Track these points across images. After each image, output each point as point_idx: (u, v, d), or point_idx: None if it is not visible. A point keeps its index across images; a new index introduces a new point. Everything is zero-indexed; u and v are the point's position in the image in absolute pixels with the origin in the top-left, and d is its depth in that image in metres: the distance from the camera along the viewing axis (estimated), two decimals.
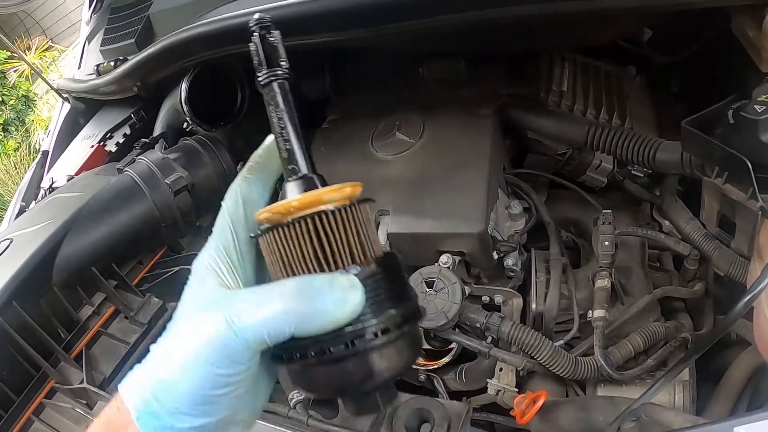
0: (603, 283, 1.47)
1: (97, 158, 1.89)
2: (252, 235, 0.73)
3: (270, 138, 0.78)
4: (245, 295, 0.67)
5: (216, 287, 0.70)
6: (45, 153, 2.22)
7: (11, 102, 8.49)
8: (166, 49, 1.60)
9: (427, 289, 1.42)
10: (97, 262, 1.46)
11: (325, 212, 0.67)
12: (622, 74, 1.86)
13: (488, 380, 1.49)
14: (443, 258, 1.49)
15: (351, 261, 0.67)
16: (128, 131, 1.93)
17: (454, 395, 1.59)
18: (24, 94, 9.17)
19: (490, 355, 1.44)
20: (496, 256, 1.51)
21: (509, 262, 1.52)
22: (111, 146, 1.92)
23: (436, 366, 1.57)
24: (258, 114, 1.89)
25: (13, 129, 8.70)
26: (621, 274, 1.55)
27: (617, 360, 1.41)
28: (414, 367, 1.58)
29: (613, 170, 1.67)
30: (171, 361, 0.66)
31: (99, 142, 1.93)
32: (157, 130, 1.79)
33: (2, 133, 8.23)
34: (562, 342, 1.46)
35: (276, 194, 0.78)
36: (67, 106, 2.17)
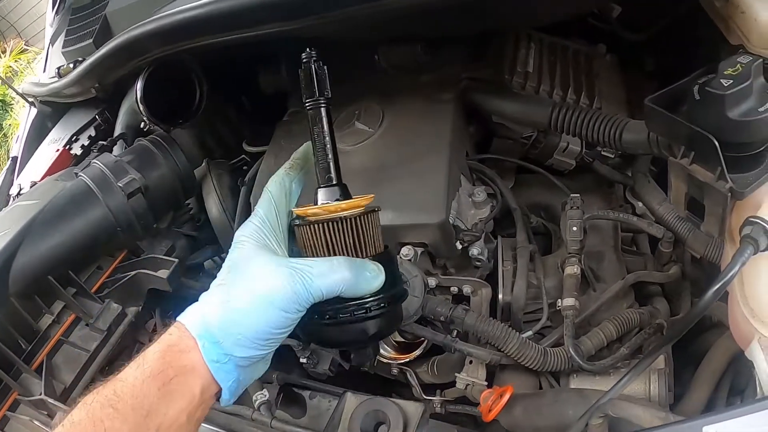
0: (572, 270, 1.38)
1: (63, 162, 1.82)
2: (297, 222, 0.97)
3: (307, 145, 1.04)
4: (313, 263, 0.87)
5: (277, 255, 0.90)
6: (14, 159, 2.16)
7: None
8: (120, 47, 1.52)
9: None
10: (54, 270, 1.39)
11: (364, 215, 0.95)
12: (591, 53, 1.76)
13: (456, 374, 1.41)
14: (404, 250, 1.41)
15: (374, 251, 0.97)
16: (93, 133, 1.86)
17: (428, 388, 1.51)
18: (0, 98, 8.99)
19: (456, 349, 1.35)
20: (459, 246, 1.42)
21: (474, 251, 1.44)
22: (77, 149, 1.85)
23: (407, 359, 1.49)
24: (221, 111, 1.81)
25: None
26: (593, 259, 1.46)
27: (588, 349, 1.33)
28: (386, 361, 1.51)
29: (581, 152, 1.58)
30: (242, 300, 0.84)
31: (65, 145, 1.86)
32: (117, 131, 1.72)
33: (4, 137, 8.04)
34: (531, 333, 1.37)
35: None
36: (34, 110, 2.10)
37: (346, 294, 0.88)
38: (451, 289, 1.46)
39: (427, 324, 1.40)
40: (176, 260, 1.45)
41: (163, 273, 1.42)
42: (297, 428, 1.32)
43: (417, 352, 1.48)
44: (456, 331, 1.37)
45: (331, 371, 1.52)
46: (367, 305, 0.92)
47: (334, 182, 0.98)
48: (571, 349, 1.29)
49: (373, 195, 0.98)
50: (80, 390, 1.37)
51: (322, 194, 0.98)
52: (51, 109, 2.02)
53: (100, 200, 1.41)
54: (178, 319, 0.86)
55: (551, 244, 1.56)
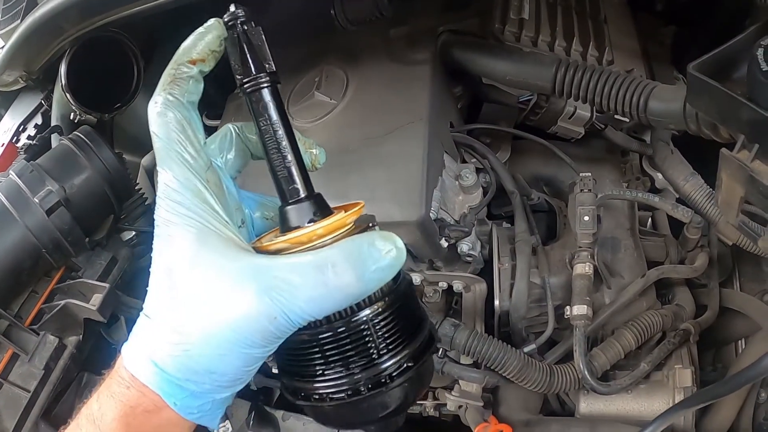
0: (583, 268, 1.06)
1: (9, 157, 1.47)
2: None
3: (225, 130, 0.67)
4: (293, 265, 0.55)
5: (233, 249, 0.57)
6: None
7: None
8: (35, 27, 1.16)
9: None
10: None
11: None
12: None
13: (447, 394, 1.09)
14: None
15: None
16: (40, 120, 1.49)
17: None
18: None
19: (444, 372, 1.02)
20: (445, 244, 1.06)
21: (464, 248, 1.09)
22: (24, 140, 1.50)
23: None
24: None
25: None
26: (606, 248, 1.13)
27: (603, 365, 1.04)
28: None
29: (591, 118, 1.18)
30: (199, 346, 0.57)
31: (12, 137, 1.51)
32: (52, 123, 1.34)
33: None
34: (534, 347, 1.04)
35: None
36: None
37: (343, 307, 0.57)
38: (440, 284, 1.12)
39: None
40: (107, 285, 1.13)
41: (96, 300, 1.11)
42: None
43: None
44: (442, 350, 1.03)
45: None
46: (384, 373, 0.58)
47: (302, 195, 0.60)
48: (584, 368, 0.99)
49: (362, 203, 0.61)
50: None
51: (288, 216, 0.61)
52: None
53: (17, 220, 1.09)
54: (126, 366, 0.59)
55: (555, 223, 1.19)
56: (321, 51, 1.24)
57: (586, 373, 0.99)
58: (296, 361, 0.62)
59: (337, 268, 0.54)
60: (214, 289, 0.56)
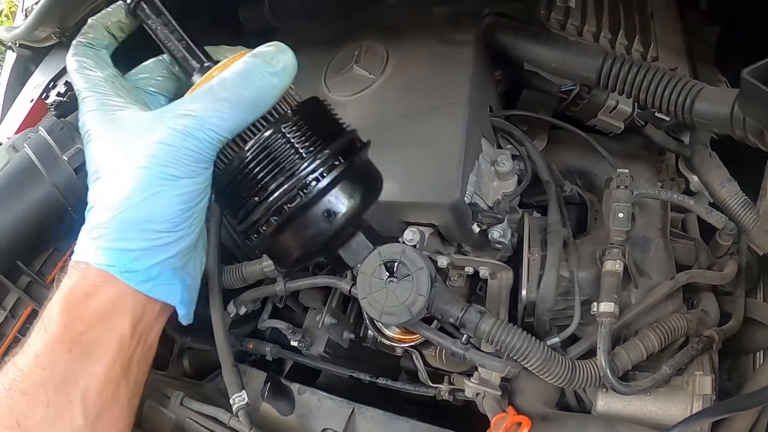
0: (613, 266, 1.04)
1: (38, 114, 1.47)
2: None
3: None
4: (189, 98, 0.63)
5: (138, 112, 0.65)
6: None
7: None
8: None
9: (387, 276, 0.99)
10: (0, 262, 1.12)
11: None
12: None
13: (466, 381, 1.10)
14: (408, 234, 1.06)
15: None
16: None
17: (435, 373, 1.24)
18: None
19: (467, 359, 1.03)
20: (477, 229, 1.06)
21: (495, 234, 1.08)
22: (54, 97, 1.47)
23: (413, 342, 1.19)
24: None
25: None
26: (636, 247, 1.12)
27: (625, 364, 1.03)
28: (389, 342, 1.20)
29: (632, 114, 1.17)
30: (129, 197, 0.61)
31: (41, 94, 1.49)
32: None
33: None
34: (557, 340, 1.05)
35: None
36: (13, 55, 1.69)
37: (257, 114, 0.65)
38: (466, 269, 1.12)
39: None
40: None
41: None
42: None
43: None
44: (466, 336, 1.04)
45: (327, 353, 1.25)
46: (310, 177, 0.66)
47: (205, 63, 0.72)
48: (606, 367, 0.98)
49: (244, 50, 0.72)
50: None
51: (193, 81, 0.71)
52: (31, 53, 1.61)
53: (45, 177, 1.10)
54: (72, 259, 0.65)
55: (585, 216, 1.20)
56: (361, 25, 1.22)
57: (608, 371, 0.98)
58: (234, 200, 0.68)
59: (227, 83, 0.62)
60: (131, 140, 0.62)
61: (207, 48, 0.75)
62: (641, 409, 1.05)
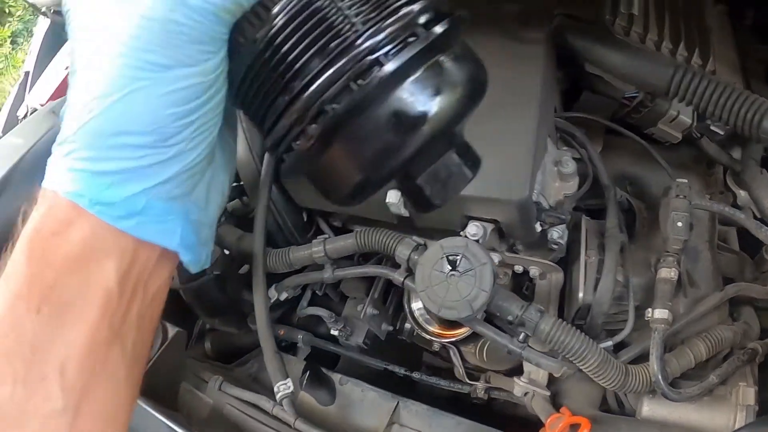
0: (669, 273, 1.06)
1: None
2: None
3: None
4: None
5: None
6: (27, 74, 1.69)
7: (18, 12, 6.82)
8: None
9: (449, 269, 0.98)
10: None
11: None
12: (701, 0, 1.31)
13: (516, 379, 1.11)
14: (471, 228, 1.05)
15: None
16: None
17: (473, 371, 1.24)
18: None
19: (524, 357, 1.03)
20: (539, 228, 1.06)
21: (554, 235, 1.08)
22: None
23: (454, 338, 1.18)
24: None
25: (22, 40, 7.28)
26: (687, 256, 1.13)
27: (674, 371, 1.04)
28: (429, 337, 1.19)
29: (691, 125, 1.19)
30: (108, 86, 0.42)
31: None
32: None
33: (11, 45, 6.72)
34: (611, 343, 1.06)
35: None
36: (47, 21, 1.61)
37: None
38: (515, 267, 1.12)
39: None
40: None
41: None
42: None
43: (466, 332, 1.17)
44: (524, 334, 1.04)
45: (366, 344, 1.24)
46: (376, 46, 0.43)
47: None
48: (658, 372, 1.00)
49: None
50: None
51: None
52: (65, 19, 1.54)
53: None
54: (42, 185, 0.48)
55: (633, 223, 1.21)
56: None
57: (659, 377, 0.99)
58: (259, 99, 0.48)
59: None
60: (111, 16, 0.44)
61: None
62: (686, 416, 1.07)
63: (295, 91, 0.45)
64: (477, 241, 1.04)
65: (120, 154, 0.44)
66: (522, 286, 1.18)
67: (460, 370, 1.20)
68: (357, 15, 0.43)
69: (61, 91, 1.35)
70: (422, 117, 0.45)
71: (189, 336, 1.37)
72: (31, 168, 0.99)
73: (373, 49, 0.43)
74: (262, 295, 1.11)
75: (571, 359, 1.01)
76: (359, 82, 0.43)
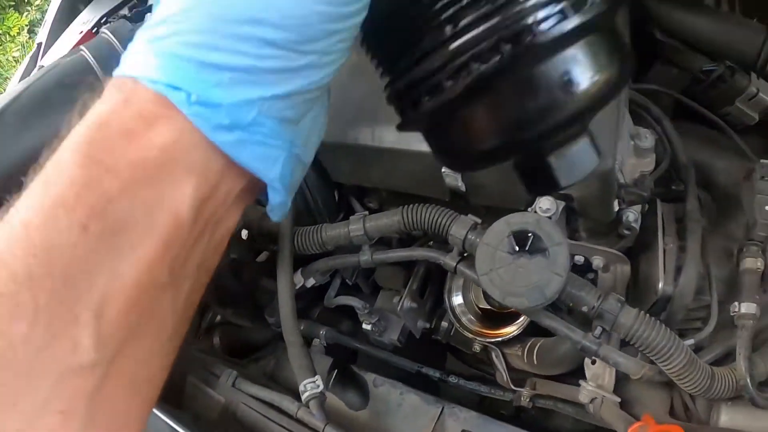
0: (754, 263, 0.95)
1: None
2: None
3: None
4: None
5: None
6: (39, 45, 1.61)
7: (36, 2, 6.81)
8: None
9: (517, 249, 0.85)
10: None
11: None
12: None
13: (581, 382, 0.98)
14: (545, 203, 0.92)
15: None
16: (128, 13, 1.32)
17: (518, 375, 1.08)
18: None
19: (599, 356, 0.90)
20: (616, 207, 0.93)
21: (630, 217, 0.96)
22: None
23: (499, 338, 1.05)
24: None
25: (39, 29, 7.24)
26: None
27: (761, 374, 0.91)
28: (470, 336, 1.06)
29: None
30: None
31: (92, 28, 1.33)
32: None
33: (28, 34, 6.64)
34: (693, 342, 0.93)
35: None
36: None
37: None
38: (576, 258, 0.99)
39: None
40: None
41: None
42: None
43: (514, 332, 1.04)
44: (600, 329, 0.90)
45: (400, 342, 1.09)
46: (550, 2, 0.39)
47: None
48: (747, 375, 0.87)
49: None
50: None
51: None
52: None
53: (101, 80, 0.86)
54: (114, 75, 0.39)
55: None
56: None
57: (748, 380, 0.88)
58: (398, 35, 0.43)
59: None
60: None
61: None
62: (766, 425, 0.96)
63: (446, 36, 0.40)
64: (549, 218, 0.91)
65: (242, 47, 0.34)
66: None
67: (503, 375, 1.06)
68: None
69: None
70: (573, 92, 0.42)
71: (199, 327, 1.19)
72: (28, 108, 0.82)
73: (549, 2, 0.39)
74: (288, 279, 0.95)
75: (655, 359, 0.88)
76: (531, 31, 0.39)
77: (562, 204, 0.93)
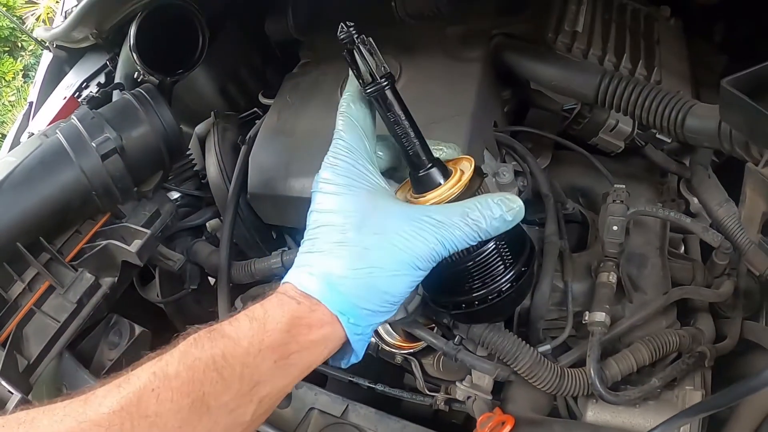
0: (607, 277, 1.08)
1: (70, 110, 1.53)
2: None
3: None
4: (446, 210, 0.76)
5: (396, 199, 0.82)
6: (31, 104, 1.90)
7: (30, 47, 7.48)
8: None
9: None
10: (24, 237, 1.15)
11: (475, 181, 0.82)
12: (653, 14, 1.36)
13: (458, 383, 1.14)
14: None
15: None
16: (103, 80, 1.57)
17: (433, 382, 1.27)
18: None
19: (458, 359, 1.07)
20: None
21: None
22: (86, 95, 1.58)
23: (412, 350, 1.24)
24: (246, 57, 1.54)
25: (33, 74, 7.74)
26: (633, 263, 1.15)
27: (614, 374, 1.04)
28: (389, 349, 1.27)
29: (632, 133, 1.22)
30: (387, 269, 0.73)
31: (74, 93, 1.60)
32: (116, 80, 1.42)
33: (23, 79, 7.31)
34: (548, 347, 1.08)
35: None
36: (50, 55, 1.83)
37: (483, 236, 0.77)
38: None
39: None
40: (148, 231, 1.19)
41: (136, 245, 1.18)
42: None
43: (422, 344, 1.22)
44: (459, 337, 1.08)
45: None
46: (504, 283, 0.85)
47: (428, 165, 0.82)
48: (594, 375, 1.00)
49: (471, 159, 0.86)
50: (45, 365, 1.15)
51: (422, 180, 0.82)
52: (66, 54, 1.73)
53: (73, 161, 1.15)
54: (297, 285, 0.73)
55: (587, 235, 1.24)
56: (379, 41, 1.29)
57: (596, 379, 0.99)
58: (456, 284, 0.85)
59: (474, 214, 0.75)
60: (400, 228, 0.74)
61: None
62: (630, 421, 1.06)
63: (470, 288, 0.87)
64: None
65: (380, 303, 0.74)
66: None
67: (420, 382, 1.24)
68: (507, 258, 0.85)
69: (59, 118, 1.51)
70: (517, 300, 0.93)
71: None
72: (19, 180, 1.13)
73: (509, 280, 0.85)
74: (226, 305, 1.21)
75: (504, 361, 1.04)
76: (506, 287, 0.86)
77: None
